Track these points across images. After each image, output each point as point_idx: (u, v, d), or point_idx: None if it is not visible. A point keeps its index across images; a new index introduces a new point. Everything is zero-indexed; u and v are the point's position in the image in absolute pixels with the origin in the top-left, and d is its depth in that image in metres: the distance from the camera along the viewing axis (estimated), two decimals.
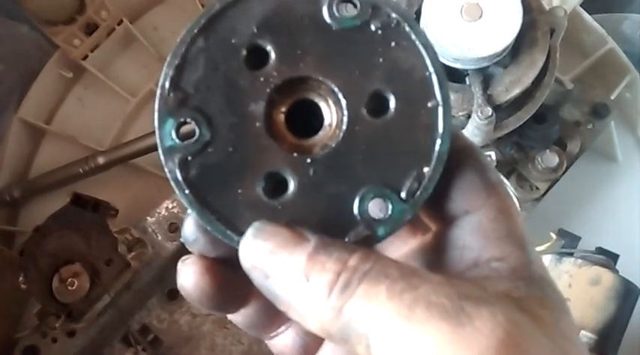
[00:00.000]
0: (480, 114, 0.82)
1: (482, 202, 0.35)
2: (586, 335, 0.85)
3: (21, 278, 1.07)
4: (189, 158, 0.34)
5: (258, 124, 0.34)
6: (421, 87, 0.34)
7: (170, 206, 1.16)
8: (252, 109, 0.34)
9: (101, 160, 1.21)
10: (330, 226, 0.34)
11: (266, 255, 0.32)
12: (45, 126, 1.28)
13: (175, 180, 0.34)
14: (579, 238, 0.95)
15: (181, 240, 0.37)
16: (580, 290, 0.85)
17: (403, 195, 0.34)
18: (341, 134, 0.34)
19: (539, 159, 0.97)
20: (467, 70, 0.84)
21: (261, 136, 0.34)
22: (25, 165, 1.30)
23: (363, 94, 0.34)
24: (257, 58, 0.34)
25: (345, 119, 0.34)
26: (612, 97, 1.05)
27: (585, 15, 1.08)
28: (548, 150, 0.97)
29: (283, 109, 0.35)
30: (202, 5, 1.27)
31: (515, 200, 0.93)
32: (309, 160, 0.34)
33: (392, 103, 0.34)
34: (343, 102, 0.34)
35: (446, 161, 0.34)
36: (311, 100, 0.36)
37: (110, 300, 1.09)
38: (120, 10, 1.26)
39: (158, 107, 0.34)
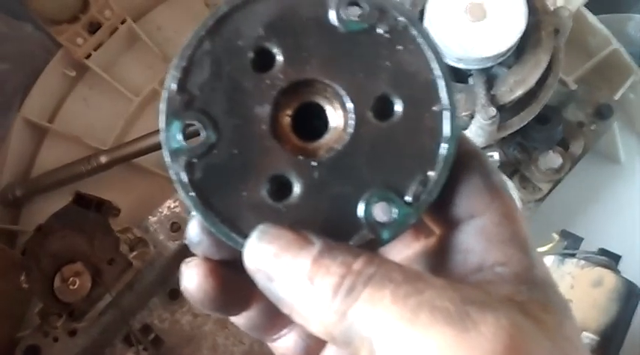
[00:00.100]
0: (483, 114, 0.82)
1: (486, 206, 0.35)
2: (588, 337, 0.84)
3: (23, 278, 1.07)
4: (195, 160, 0.34)
5: (263, 127, 0.34)
6: (427, 90, 0.34)
7: (172, 205, 1.16)
8: (257, 112, 0.34)
9: (103, 159, 1.21)
10: (334, 229, 0.33)
11: (270, 257, 0.32)
12: (47, 125, 1.28)
13: (180, 182, 0.34)
14: (582, 239, 0.95)
15: (185, 241, 0.37)
16: (582, 291, 0.85)
17: (408, 198, 0.34)
18: (346, 137, 0.34)
19: (543, 159, 0.97)
20: (470, 70, 0.84)
21: (266, 139, 0.34)
22: (27, 164, 1.30)
23: (368, 97, 0.34)
24: (263, 60, 0.34)
25: (351, 122, 0.34)
26: (616, 98, 1.05)
27: (590, 15, 1.07)
28: (551, 151, 0.97)
29: (289, 112, 0.35)
30: (207, 4, 1.27)
31: (518, 202, 0.93)
32: (313, 163, 0.34)
33: (398, 107, 0.34)
34: (349, 105, 0.34)
35: (452, 166, 0.34)
36: (317, 103, 0.35)
37: (112, 300, 1.09)
38: (123, 9, 1.26)
39: (164, 109, 0.34)
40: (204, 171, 0.34)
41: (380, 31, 0.34)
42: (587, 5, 1.09)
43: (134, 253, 1.12)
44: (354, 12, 0.34)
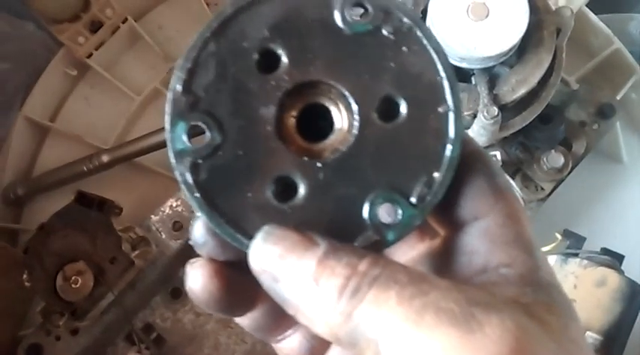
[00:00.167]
0: (485, 113, 0.82)
1: (491, 208, 0.35)
2: (592, 337, 0.85)
3: (25, 276, 1.07)
4: (200, 161, 0.34)
5: (268, 128, 0.34)
6: (432, 92, 0.34)
7: (174, 204, 1.16)
8: (262, 113, 0.34)
9: (105, 158, 1.21)
10: (339, 230, 0.34)
11: (275, 258, 0.32)
12: (49, 124, 1.28)
13: (186, 183, 0.34)
14: (584, 239, 0.95)
15: (189, 242, 0.37)
16: (585, 291, 0.85)
17: (413, 199, 0.34)
18: (351, 138, 0.34)
19: (545, 159, 0.96)
20: (473, 70, 0.84)
21: (271, 140, 0.34)
22: (29, 163, 1.30)
23: (373, 99, 0.34)
24: (268, 61, 0.34)
25: (356, 123, 0.34)
26: (618, 98, 1.05)
27: (591, 15, 1.07)
28: (553, 151, 0.96)
29: (294, 113, 0.35)
30: (207, 4, 1.27)
31: (521, 202, 0.93)
32: (318, 164, 0.34)
33: (402, 108, 0.34)
34: (354, 106, 0.34)
35: (456, 167, 0.34)
36: (321, 104, 0.36)
37: (114, 299, 1.09)
38: (125, 8, 1.26)
39: (169, 110, 0.34)
40: (209, 172, 0.34)
41: (385, 32, 0.34)
42: (588, 5, 1.09)
43: (136, 252, 1.12)
44: (359, 13, 0.34)
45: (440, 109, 0.34)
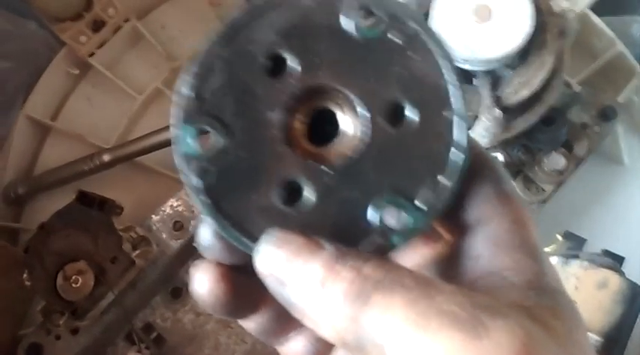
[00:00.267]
0: (488, 115, 0.82)
1: (497, 212, 0.35)
2: (592, 338, 0.85)
3: (25, 276, 1.07)
4: (207, 165, 0.34)
5: (275, 132, 0.34)
6: (439, 96, 0.34)
7: (175, 204, 1.16)
8: (269, 117, 0.34)
9: (106, 158, 1.21)
10: (345, 234, 0.34)
11: (281, 262, 0.32)
12: (50, 123, 1.28)
13: (192, 186, 0.34)
14: (585, 240, 0.95)
15: (195, 245, 0.37)
16: (587, 292, 0.85)
17: (418, 204, 0.34)
18: (357, 142, 0.35)
19: (546, 161, 0.97)
20: (475, 71, 0.84)
21: (278, 144, 0.34)
22: (30, 162, 1.30)
23: (380, 103, 0.34)
24: (276, 66, 0.35)
25: (362, 128, 0.35)
26: (620, 100, 1.05)
27: (594, 17, 1.07)
28: (555, 152, 0.97)
29: (301, 117, 0.35)
30: (211, 4, 1.27)
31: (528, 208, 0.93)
32: (324, 168, 0.34)
33: (409, 112, 0.34)
34: (360, 110, 0.35)
35: (464, 173, 0.34)
36: (328, 109, 0.36)
37: (114, 298, 1.09)
38: (127, 8, 1.26)
39: (176, 114, 0.34)
40: (215, 176, 0.34)
41: (392, 37, 0.35)
42: (591, 7, 1.09)
43: (137, 252, 1.12)
44: (366, 19, 0.35)
45: (446, 114, 0.34)
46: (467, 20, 0.79)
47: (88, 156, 1.23)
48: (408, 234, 0.34)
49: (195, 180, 0.34)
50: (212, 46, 0.35)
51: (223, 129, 0.34)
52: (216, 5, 1.29)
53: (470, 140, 0.34)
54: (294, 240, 0.32)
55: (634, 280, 0.89)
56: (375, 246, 0.34)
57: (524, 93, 0.84)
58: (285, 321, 0.38)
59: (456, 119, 0.34)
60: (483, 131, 0.84)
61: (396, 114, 0.35)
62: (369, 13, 0.35)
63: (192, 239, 1.16)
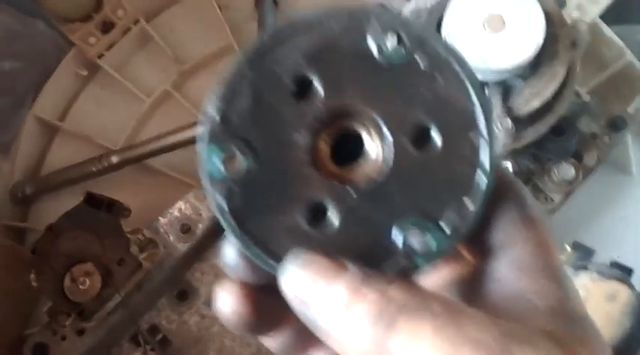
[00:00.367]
0: (499, 125, 0.82)
1: (521, 236, 0.35)
2: None
3: (32, 276, 1.08)
4: (232, 185, 0.34)
5: (301, 154, 0.35)
6: (465, 119, 0.35)
7: (182, 207, 1.16)
8: (296, 139, 0.35)
9: (114, 159, 1.21)
10: (369, 256, 0.34)
11: (306, 283, 0.32)
12: (59, 123, 1.28)
13: (219, 208, 0.34)
14: (594, 251, 0.95)
15: (220, 264, 0.37)
16: (596, 304, 0.85)
17: (444, 227, 0.34)
18: (383, 164, 0.35)
19: (556, 170, 0.97)
20: (487, 82, 0.84)
21: (303, 165, 0.35)
22: (37, 162, 1.30)
23: (406, 126, 0.35)
24: (302, 88, 0.35)
25: (388, 150, 0.35)
26: (630, 110, 1.05)
27: (604, 27, 1.07)
28: (564, 162, 0.97)
29: (326, 139, 0.36)
30: (219, 7, 1.27)
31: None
32: (349, 190, 0.35)
33: (435, 135, 0.35)
34: (386, 133, 0.35)
35: (489, 197, 0.34)
36: (354, 130, 0.36)
37: (121, 300, 1.09)
38: (136, 10, 1.26)
39: (204, 136, 0.34)
40: (242, 197, 0.34)
41: (418, 61, 0.35)
42: (601, 16, 1.09)
43: (144, 254, 1.12)
44: (394, 43, 0.35)
45: (473, 138, 0.35)
46: (479, 30, 0.79)
47: (95, 158, 1.23)
48: (433, 257, 0.34)
49: (220, 201, 0.34)
50: (239, 68, 0.35)
51: (249, 150, 0.34)
52: (224, 8, 1.29)
53: (496, 164, 0.35)
54: (318, 261, 0.33)
55: None
56: (398, 268, 0.34)
57: (535, 103, 0.84)
58: (307, 339, 0.38)
59: (482, 142, 0.34)
60: None
61: (421, 137, 0.35)
62: (396, 36, 0.35)
63: (199, 242, 1.16)
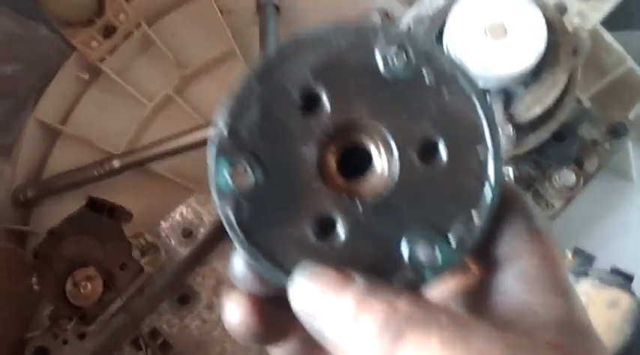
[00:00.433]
0: (501, 132, 0.83)
1: (527, 249, 0.35)
2: None
3: (34, 280, 1.08)
4: (241, 198, 0.35)
5: (309, 167, 0.35)
6: (471, 133, 0.35)
7: (184, 211, 1.16)
8: (303, 152, 0.35)
9: (116, 164, 1.22)
10: (376, 268, 0.34)
11: (314, 295, 0.33)
12: (60, 127, 1.29)
13: (228, 220, 0.35)
14: (594, 258, 0.95)
15: (230, 276, 0.38)
16: (597, 312, 0.85)
17: (451, 240, 0.35)
18: (390, 178, 0.35)
19: (557, 177, 0.97)
20: (488, 89, 0.84)
21: (311, 179, 0.35)
22: (39, 166, 1.30)
23: (413, 140, 0.35)
24: (310, 103, 0.35)
25: (395, 163, 0.35)
26: (630, 117, 1.05)
27: (605, 33, 1.07)
28: (565, 168, 0.97)
29: (334, 153, 0.36)
30: (221, 12, 1.27)
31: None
32: (357, 203, 0.35)
33: (442, 149, 0.35)
34: (394, 147, 0.35)
35: (496, 210, 0.35)
36: (362, 144, 0.36)
37: (122, 304, 1.10)
38: (138, 14, 1.26)
39: (213, 149, 0.35)
40: (250, 210, 0.35)
41: (425, 75, 0.35)
42: (602, 22, 1.09)
43: (145, 258, 1.12)
44: (401, 58, 0.35)
45: (479, 152, 0.35)
46: (481, 37, 0.80)
47: (97, 162, 1.23)
48: (440, 270, 0.34)
49: (229, 213, 0.35)
50: (248, 82, 0.36)
51: (258, 163, 0.35)
52: (226, 13, 1.29)
53: (502, 178, 0.35)
54: (326, 273, 0.33)
55: None
56: (406, 281, 0.34)
57: (537, 110, 0.85)
58: (313, 349, 0.39)
59: (488, 156, 0.35)
60: None
61: (428, 151, 0.35)
62: (402, 51, 0.35)
63: (200, 246, 1.16)
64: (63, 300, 1.07)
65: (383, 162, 0.36)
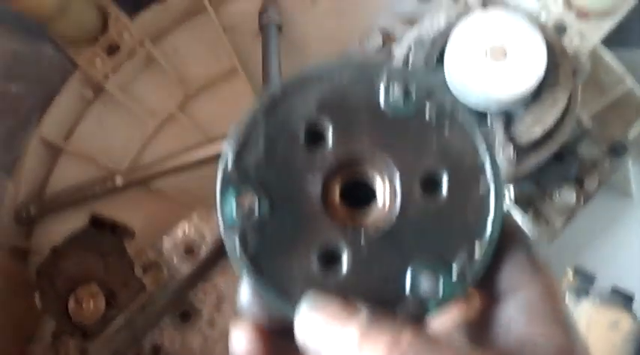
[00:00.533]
0: (501, 153, 0.83)
1: (528, 280, 0.36)
2: None
3: (37, 297, 1.08)
4: (248, 231, 0.36)
5: (313, 199, 0.36)
6: (473, 169, 0.36)
7: (186, 229, 1.17)
8: (308, 185, 0.36)
9: (119, 181, 1.22)
10: (381, 299, 0.35)
11: (319, 326, 0.33)
12: (63, 144, 1.29)
13: (234, 252, 0.36)
14: (595, 277, 0.95)
15: (236, 306, 0.38)
16: (599, 333, 0.86)
17: (454, 273, 0.35)
18: (393, 210, 0.36)
19: (557, 196, 0.97)
20: (489, 110, 0.85)
21: (316, 211, 0.36)
22: (42, 183, 1.31)
23: (415, 174, 0.36)
24: (315, 137, 0.36)
25: (399, 197, 0.36)
26: (630, 137, 1.06)
27: (604, 52, 1.08)
28: (566, 188, 0.98)
29: (338, 186, 0.37)
30: (224, 29, 1.28)
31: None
32: (362, 236, 0.36)
33: (444, 184, 0.36)
34: (397, 181, 0.36)
35: (497, 244, 0.35)
36: (365, 178, 0.37)
37: (124, 322, 1.10)
38: (142, 32, 1.27)
39: (220, 183, 0.36)
40: (257, 242, 0.36)
41: (427, 111, 0.36)
42: (603, 39, 1.10)
43: (147, 275, 1.13)
44: (403, 94, 0.36)
45: (480, 187, 0.36)
46: (481, 60, 0.80)
47: (100, 179, 1.24)
48: (444, 302, 0.35)
49: (236, 245, 0.36)
50: (254, 116, 0.36)
51: (263, 195, 0.36)
52: (229, 30, 1.31)
53: (503, 213, 0.36)
54: (331, 304, 0.34)
55: None
56: (410, 312, 0.35)
57: (537, 131, 0.85)
58: None
59: (490, 190, 0.36)
60: None
61: (431, 184, 0.36)
62: (404, 88, 0.36)
63: (202, 263, 1.17)
64: (65, 317, 1.07)
65: (386, 194, 0.37)
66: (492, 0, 1.02)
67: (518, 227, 0.39)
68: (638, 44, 1.21)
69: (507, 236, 0.37)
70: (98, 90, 1.30)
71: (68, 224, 1.13)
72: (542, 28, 0.83)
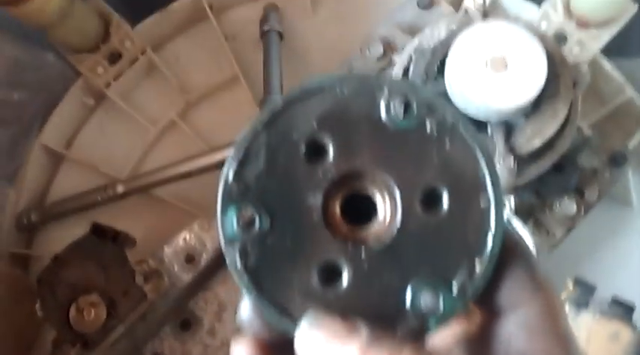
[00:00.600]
0: (502, 164, 0.83)
1: (528, 297, 0.36)
2: None
3: (38, 306, 1.08)
4: (249, 246, 0.36)
5: (314, 215, 0.36)
6: (474, 184, 0.36)
7: (187, 237, 1.17)
8: (309, 201, 0.36)
9: (120, 189, 1.23)
10: (381, 316, 0.35)
11: (319, 343, 0.33)
12: (64, 152, 1.30)
13: (235, 267, 0.36)
14: (595, 288, 0.95)
15: (236, 322, 0.39)
16: (599, 345, 0.86)
17: (454, 289, 0.35)
18: (394, 227, 0.36)
19: (558, 206, 0.98)
20: (489, 121, 0.85)
21: (317, 227, 0.36)
22: (43, 190, 1.31)
23: (416, 190, 0.36)
24: (315, 152, 0.37)
25: (399, 213, 0.36)
26: (630, 146, 1.06)
27: (604, 62, 1.09)
28: (566, 198, 0.98)
29: (339, 201, 0.37)
30: (226, 37, 1.29)
31: (532, 248, 0.94)
32: (362, 251, 0.36)
33: (445, 199, 0.36)
34: (397, 196, 0.36)
35: (497, 259, 0.35)
36: (366, 192, 0.37)
37: (125, 330, 1.10)
38: (144, 40, 1.28)
39: (221, 198, 0.36)
40: (257, 257, 0.36)
41: (428, 127, 0.36)
42: (603, 48, 1.10)
43: (148, 284, 1.13)
44: (403, 108, 0.36)
45: (481, 203, 0.36)
46: (482, 71, 0.81)
47: (101, 187, 1.24)
48: (444, 318, 0.35)
49: (237, 261, 0.36)
50: (254, 132, 0.37)
51: (264, 210, 0.36)
52: (230, 38, 1.31)
53: (504, 228, 0.36)
54: (332, 322, 0.34)
55: None
56: (410, 329, 0.35)
57: (537, 142, 0.85)
58: None
59: (491, 206, 0.36)
60: None
61: (431, 199, 0.36)
62: (405, 102, 0.36)
63: (203, 272, 1.17)
64: (66, 326, 1.07)
65: (386, 209, 0.37)
66: (493, 10, 1.03)
67: (519, 241, 0.39)
68: (638, 53, 1.21)
69: (508, 251, 0.37)
70: (100, 97, 1.30)
71: (69, 232, 1.13)
72: (543, 38, 0.83)
